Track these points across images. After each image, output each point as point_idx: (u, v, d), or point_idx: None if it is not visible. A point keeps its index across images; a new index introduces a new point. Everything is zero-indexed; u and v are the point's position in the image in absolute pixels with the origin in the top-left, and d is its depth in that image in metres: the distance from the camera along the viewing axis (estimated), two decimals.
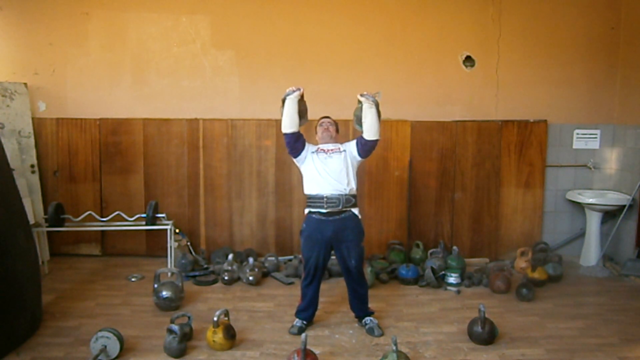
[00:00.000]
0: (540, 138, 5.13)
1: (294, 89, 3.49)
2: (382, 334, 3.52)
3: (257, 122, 5.08)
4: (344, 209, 3.48)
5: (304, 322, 3.62)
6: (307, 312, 3.65)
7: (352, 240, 3.52)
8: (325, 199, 3.44)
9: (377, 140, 3.50)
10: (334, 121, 3.74)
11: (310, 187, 3.53)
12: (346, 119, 5.02)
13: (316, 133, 3.69)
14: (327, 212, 3.46)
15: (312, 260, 3.54)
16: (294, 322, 3.63)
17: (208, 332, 3.32)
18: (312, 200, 3.51)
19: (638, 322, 3.81)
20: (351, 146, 3.58)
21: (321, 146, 3.60)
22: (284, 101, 3.50)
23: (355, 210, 3.55)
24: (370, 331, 3.55)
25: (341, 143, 3.64)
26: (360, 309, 3.67)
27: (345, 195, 3.47)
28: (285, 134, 3.51)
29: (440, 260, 4.63)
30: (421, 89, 5.15)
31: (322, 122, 3.69)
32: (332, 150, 3.56)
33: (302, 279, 3.68)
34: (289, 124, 3.48)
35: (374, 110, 3.44)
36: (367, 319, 3.62)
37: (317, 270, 3.56)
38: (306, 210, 3.58)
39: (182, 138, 5.09)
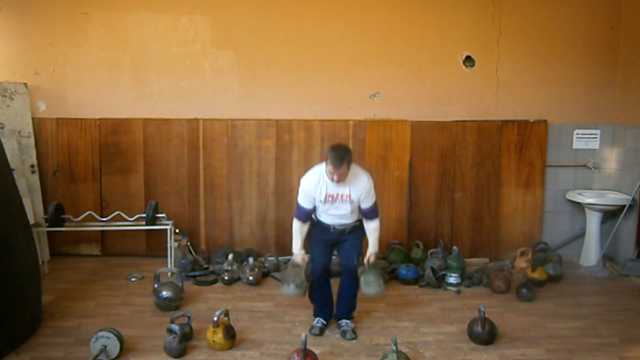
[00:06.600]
0: (540, 138, 5.13)
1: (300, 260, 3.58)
2: (354, 338, 3.50)
3: (257, 122, 5.08)
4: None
5: (324, 322, 3.62)
6: (325, 314, 3.66)
7: (353, 238, 3.59)
8: (332, 227, 3.53)
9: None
10: (348, 163, 3.29)
11: (319, 214, 3.57)
12: (346, 118, 5.05)
13: (326, 165, 3.32)
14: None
15: (318, 256, 3.59)
16: (314, 322, 3.62)
17: (208, 332, 3.32)
18: (321, 223, 3.58)
19: (638, 322, 3.82)
20: (359, 196, 3.42)
21: (329, 192, 3.41)
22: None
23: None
24: (343, 334, 3.54)
25: (350, 184, 3.39)
26: (343, 310, 3.65)
27: (352, 224, 3.56)
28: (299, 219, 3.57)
29: (440, 260, 4.62)
30: (421, 89, 5.15)
31: (334, 173, 3.28)
32: (340, 195, 3.41)
33: (313, 281, 3.67)
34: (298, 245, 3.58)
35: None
36: (344, 321, 3.61)
37: (324, 268, 3.60)
38: (315, 218, 3.62)
39: (182, 138, 5.09)
